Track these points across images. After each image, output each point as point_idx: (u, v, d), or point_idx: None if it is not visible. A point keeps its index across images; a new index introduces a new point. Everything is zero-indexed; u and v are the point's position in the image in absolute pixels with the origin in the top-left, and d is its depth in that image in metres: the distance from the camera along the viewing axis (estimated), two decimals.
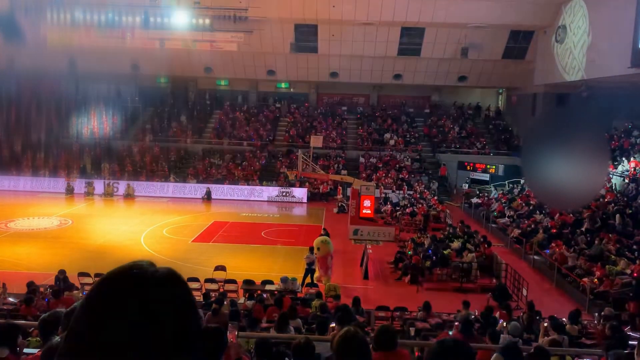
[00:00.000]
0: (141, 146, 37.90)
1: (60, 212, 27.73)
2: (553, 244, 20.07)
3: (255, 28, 33.79)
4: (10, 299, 13.36)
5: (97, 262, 17.86)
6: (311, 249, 17.43)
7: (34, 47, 28.86)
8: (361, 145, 38.68)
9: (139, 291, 1.04)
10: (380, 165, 36.14)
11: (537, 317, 11.31)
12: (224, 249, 21.38)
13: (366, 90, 42.97)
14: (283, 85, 43.70)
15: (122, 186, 32.91)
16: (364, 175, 34.12)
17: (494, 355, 5.96)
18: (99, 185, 32.80)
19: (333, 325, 8.26)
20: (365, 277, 18.34)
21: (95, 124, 39.27)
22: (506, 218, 26.07)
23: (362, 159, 36.91)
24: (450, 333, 9.20)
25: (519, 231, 23.18)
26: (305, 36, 35.44)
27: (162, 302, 1.04)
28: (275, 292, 13.80)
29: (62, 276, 14.22)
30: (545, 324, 9.91)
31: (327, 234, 19.94)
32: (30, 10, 28.89)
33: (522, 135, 36.56)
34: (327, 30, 34.58)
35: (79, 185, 32.83)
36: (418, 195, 30.97)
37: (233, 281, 15.50)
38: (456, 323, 9.83)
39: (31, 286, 12.73)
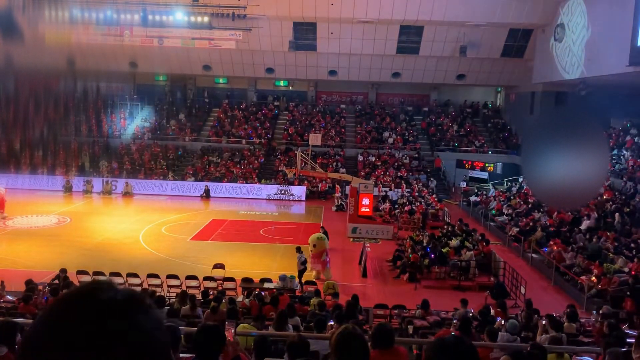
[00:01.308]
0: (140, 144, 37.88)
1: (58, 210, 27.69)
2: (551, 242, 20.14)
3: (253, 26, 33.79)
4: (9, 297, 13.36)
5: (95, 260, 17.94)
6: (298, 249, 17.42)
7: (32, 44, 28.79)
8: (360, 143, 38.69)
9: (93, 320, 0.92)
10: (379, 164, 36.15)
11: (535, 315, 11.32)
12: (223, 247, 21.38)
13: (365, 89, 42.97)
14: (282, 83, 43.68)
15: (120, 184, 32.85)
16: (362, 173, 34.12)
17: (503, 356, 6.05)
18: (97, 183, 32.72)
19: (332, 323, 8.27)
20: (364, 275, 18.38)
21: (93, 122, 39.26)
22: (504, 216, 26.10)
23: (360, 157, 36.90)
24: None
25: (517, 229, 23.22)
26: (304, 34, 35.41)
27: (118, 333, 0.92)
28: (274, 290, 13.81)
29: (63, 274, 14.23)
30: (544, 322, 9.92)
31: (325, 232, 19.97)
32: (28, 7, 28.83)
33: (521, 133, 36.57)
34: (326, 28, 34.55)
35: (78, 183, 32.77)
36: (416, 194, 30.97)
37: (232, 279, 15.51)
38: (454, 321, 9.85)
39: (29, 284, 12.73)
